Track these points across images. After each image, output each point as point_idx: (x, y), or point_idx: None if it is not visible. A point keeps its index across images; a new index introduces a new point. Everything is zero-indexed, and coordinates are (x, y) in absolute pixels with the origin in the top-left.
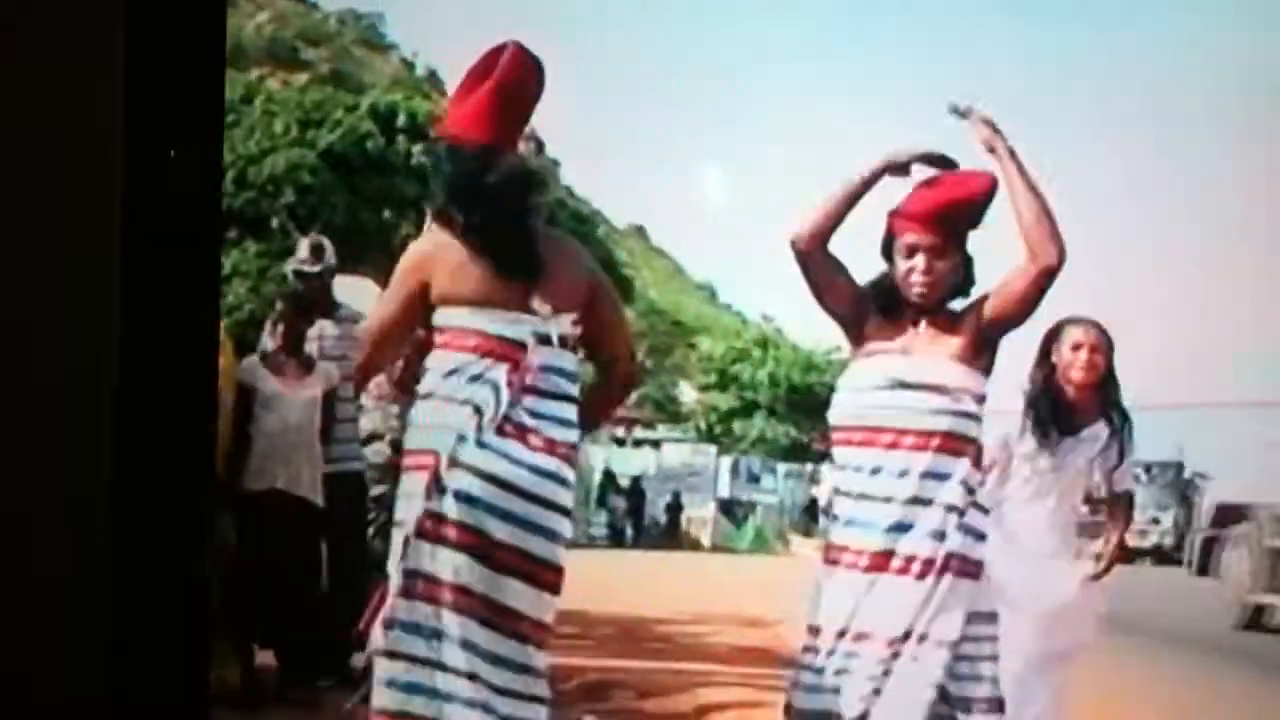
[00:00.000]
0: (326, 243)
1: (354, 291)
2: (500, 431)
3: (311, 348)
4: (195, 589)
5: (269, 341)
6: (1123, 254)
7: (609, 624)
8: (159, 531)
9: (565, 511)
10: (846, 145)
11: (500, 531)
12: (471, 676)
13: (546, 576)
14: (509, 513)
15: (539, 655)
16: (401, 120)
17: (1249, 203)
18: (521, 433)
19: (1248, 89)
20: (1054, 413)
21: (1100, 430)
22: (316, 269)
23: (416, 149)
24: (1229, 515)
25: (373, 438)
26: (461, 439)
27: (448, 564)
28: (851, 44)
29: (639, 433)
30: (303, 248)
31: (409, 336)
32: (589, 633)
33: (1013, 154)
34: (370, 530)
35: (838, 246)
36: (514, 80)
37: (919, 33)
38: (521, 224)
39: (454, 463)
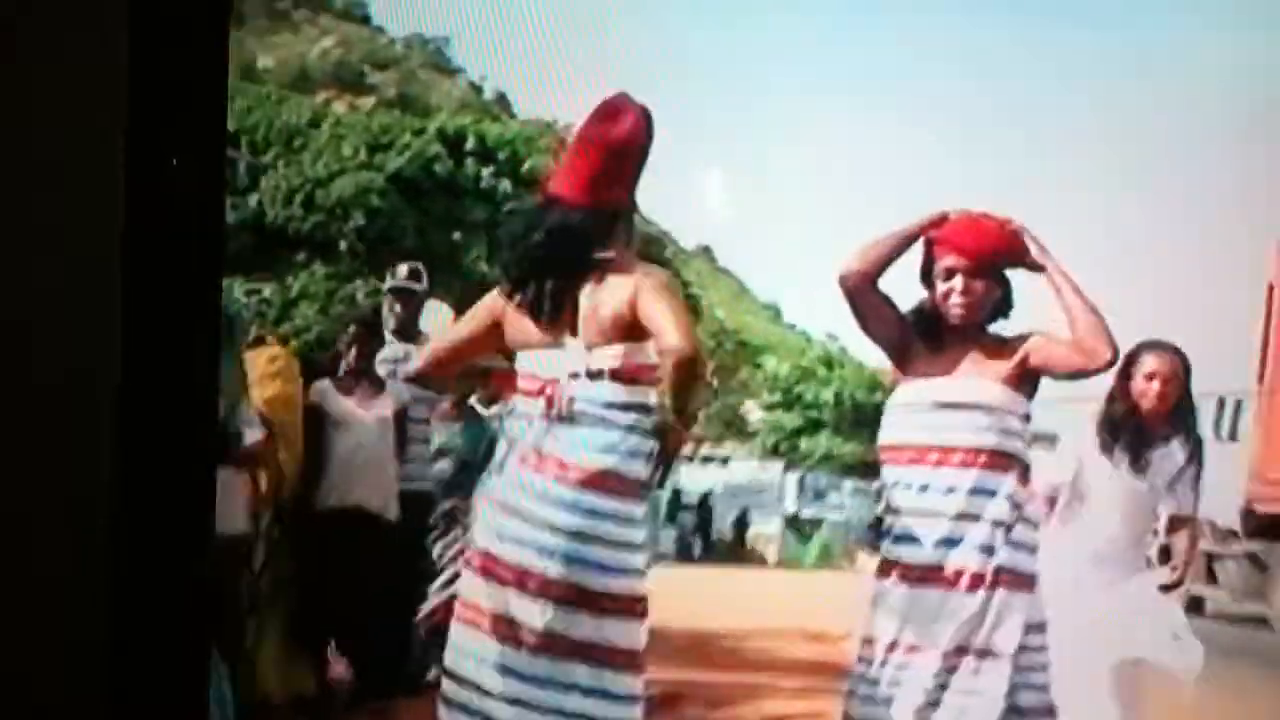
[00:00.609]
0: (422, 267)
1: (426, 313)
2: (527, 462)
3: (383, 370)
4: (195, 590)
5: (343, 363)
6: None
7: (678, 637)
8: (159, 532)
9: (563, 531)
10: (901, 175)
11: (513, 556)
12: (514, 701)
13: (575, 598)
14: (520, 539)
15: (605, 676)
16: (470, 144)
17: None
18: (542, 462)
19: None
20: (1126, 435)
21: (1173, 451)
22: (416, 288)
23: (486, 172)
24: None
25: (439, 454)
26: (493, 472)
27: (480, 590)
28: (913, 73)
29: (706, 450)
30: (402, 269)
31: (470, 362)
32: (658, 646)
33: (1060, 268)
34: (437, 546)
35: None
36: (640, 144)
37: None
38: (556, 273)
39: (487, 496)
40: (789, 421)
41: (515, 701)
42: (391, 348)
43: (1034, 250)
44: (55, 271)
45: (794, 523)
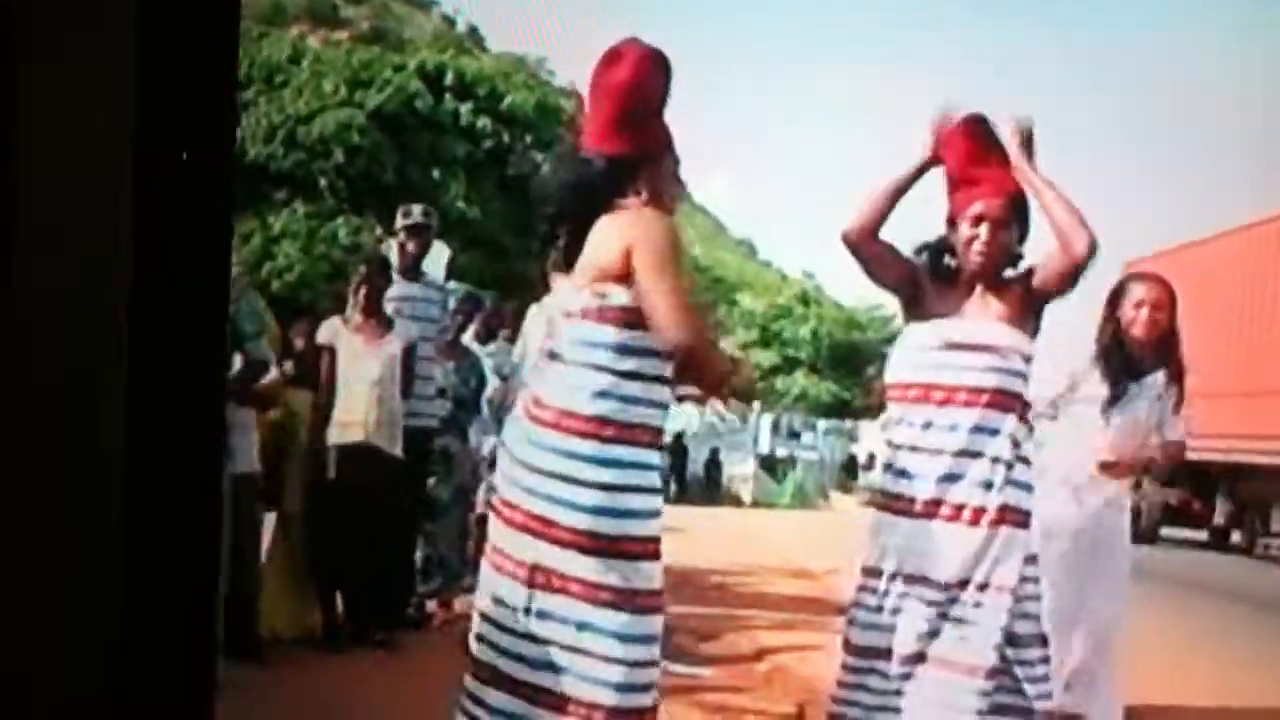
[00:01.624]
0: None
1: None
2: (533, 414)
3: (389, 308)
4: (203, 591)
5: (352, 302)
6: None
7: (664, 574)
8: (168, 532)
9: (572, 480)
10: (882, 108)
11: (535, 507)
12: (543, 642)
13: (572, 540)
14: (514, 480)
15: (600, 614)
16: (449, 79)
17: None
18: (544, 412)
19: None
20: (1121, 361)
21: (1159, 378)
22: (429, 222)
23: (465, 109)
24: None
25: (439, 393)
26: (505, 419)
27: (508, 539)
28: (901, 24)
29: (681, 389)
30: (415, 208)
31: None
32: None
33: (1039, 173)
34: (432, 480)
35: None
36: (641, 89)
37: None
38: (575, 221)
39: (505, 448)
40: (765, 359)
41: (545, 642)
42: (398, 286)
43: (1014, 154)
44: (62, 269)
45: (768, 462)
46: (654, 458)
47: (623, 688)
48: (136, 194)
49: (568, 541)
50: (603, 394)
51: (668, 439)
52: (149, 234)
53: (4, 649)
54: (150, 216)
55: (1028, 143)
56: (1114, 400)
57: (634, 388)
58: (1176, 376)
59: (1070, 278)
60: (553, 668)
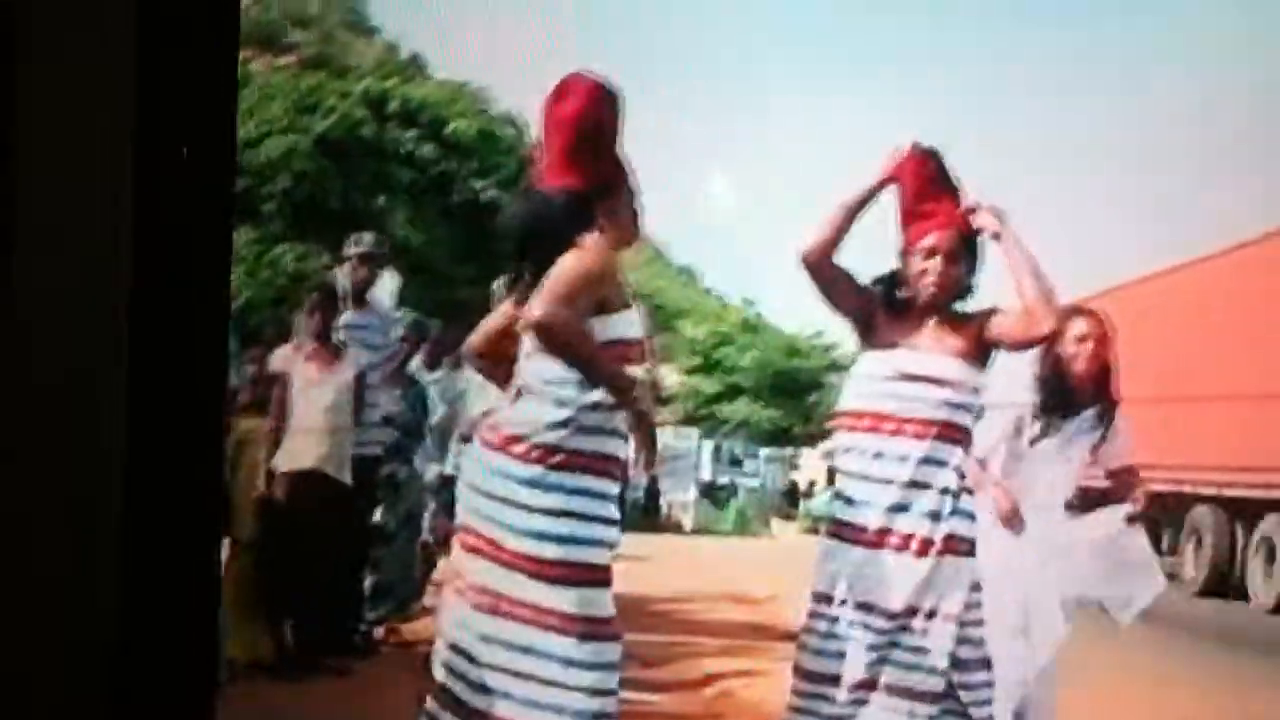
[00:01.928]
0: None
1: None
2: (486, 440)
3: (339, 336)
4: (204, 592)
5: (304, 330)
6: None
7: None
8: (168, 535)
9: (513, 504)
10: (828, 130)
11: (491, 533)
12: (503, 670)
13: (518, 564)
14: (469, 505)
15: (546, 639)
16: (393, 106)
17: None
18: (497, 437)
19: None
20: (1060, 396)
21: (1091, 413)
22: (380, 251)
23: (409, 135)
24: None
25: (386, 421)
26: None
27: (467, 565)
28: (837, 40)
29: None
30: (365, 236)
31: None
32: None
33: (1015, 239)
34: (380, 508)
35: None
36: (588, 122)
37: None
38: (534, 258)
39: (462, 477)
40: (707, 386)
41: (493, 668)
42: (347, 314)
43: (989, 219)
44: (63, 268)
45: (710, 489)
46: (607, 487)
47: (569, 713)
48: (136, 194)
49: (514, 565)
50: (560, 424)
51: None
52: (149, 234)
53: (4, 650)
54: (150, 217)
55: (1000, 216)
56: (1044, 434)
57: (595, 418)
58: (1109, 410)
59: (1025, 346)
60: (501, 693)
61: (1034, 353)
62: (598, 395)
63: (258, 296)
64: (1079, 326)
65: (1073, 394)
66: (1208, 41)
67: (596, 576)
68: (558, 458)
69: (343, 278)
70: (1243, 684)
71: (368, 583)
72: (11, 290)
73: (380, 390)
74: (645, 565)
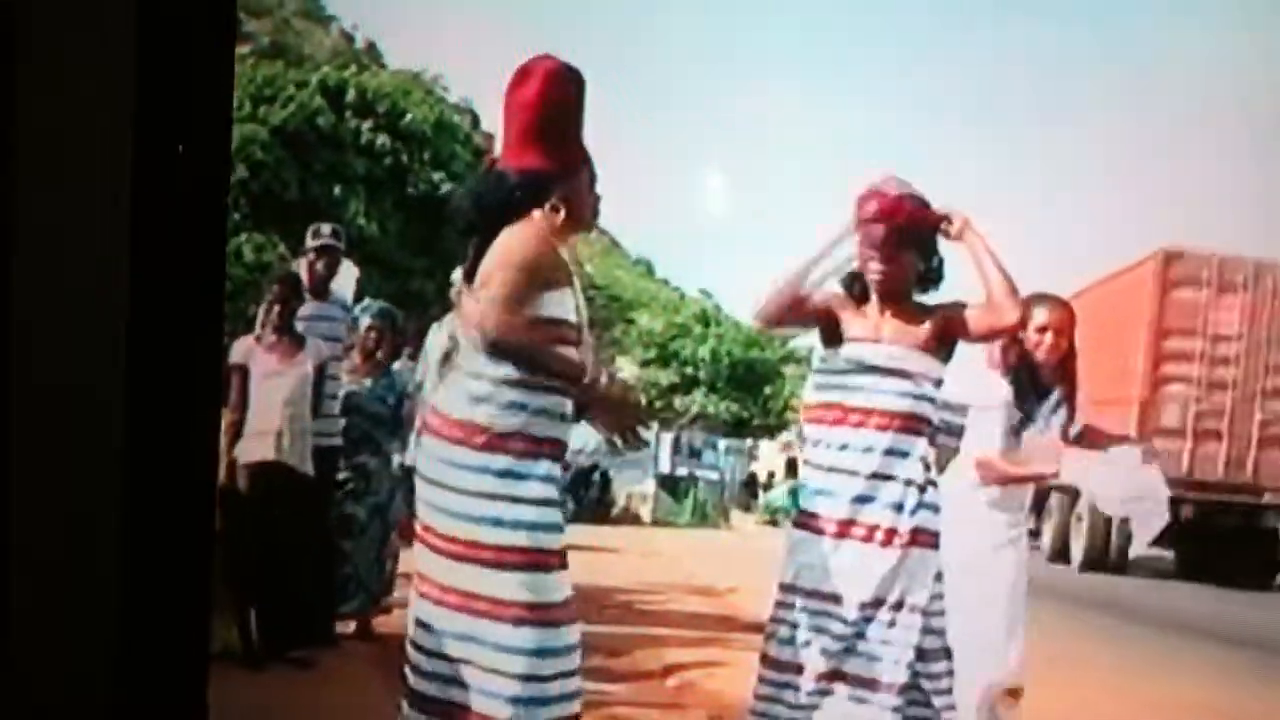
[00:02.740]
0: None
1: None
2: (428, 425)
3: (299, 327)
4: (198, 589)
5: (262, 320)
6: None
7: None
8: (164, 533)
9: (449, 488)
10: (788, 118)
11: (438, 523)
12: (468, 664)
13: (448, 549)
14: (437, 504)
15: (479, 625)
16: (350, 96)
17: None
18: (433, 420)
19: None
20: (1030, 384)
21: (1054, 397)
22: (339, 246)
23: (365, 126)
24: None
25: (350, 410)
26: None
27: (423, 561)
28: (809, 35)
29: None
30: (324, 228)
31: None
32: None
33: (975, 233)
34: (350, 499)
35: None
36: (550, 104)
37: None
38: (482, 237)
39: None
40: (664, 378)
41: (435, 655)
42: (307, 306)
43: (957, 228)
44: (61, 268)
45: (668, 481)
46: (536, 467)
47: (503, 699)
48: (135, 195)
49: (452, 552)
50: (478, 400)
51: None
52: (147, 234)
53: (5, 651)
54: (149, 217)
55: (967, 221)
56: (1025, 422)
57: (512, 394)
58: (1069, 396)
59: (991, 338)
60: (451, 682)
61: (998, 348)
62: (503, 372)
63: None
64: (1039, 316)
65: (1040, 380)
66: (1207, 43)
67: (536, 560)
68: (481, 437)
69: (304, 269)
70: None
71: (338, 575)
72: (9, 290)
73: (338, 382)
74: (605, 556)
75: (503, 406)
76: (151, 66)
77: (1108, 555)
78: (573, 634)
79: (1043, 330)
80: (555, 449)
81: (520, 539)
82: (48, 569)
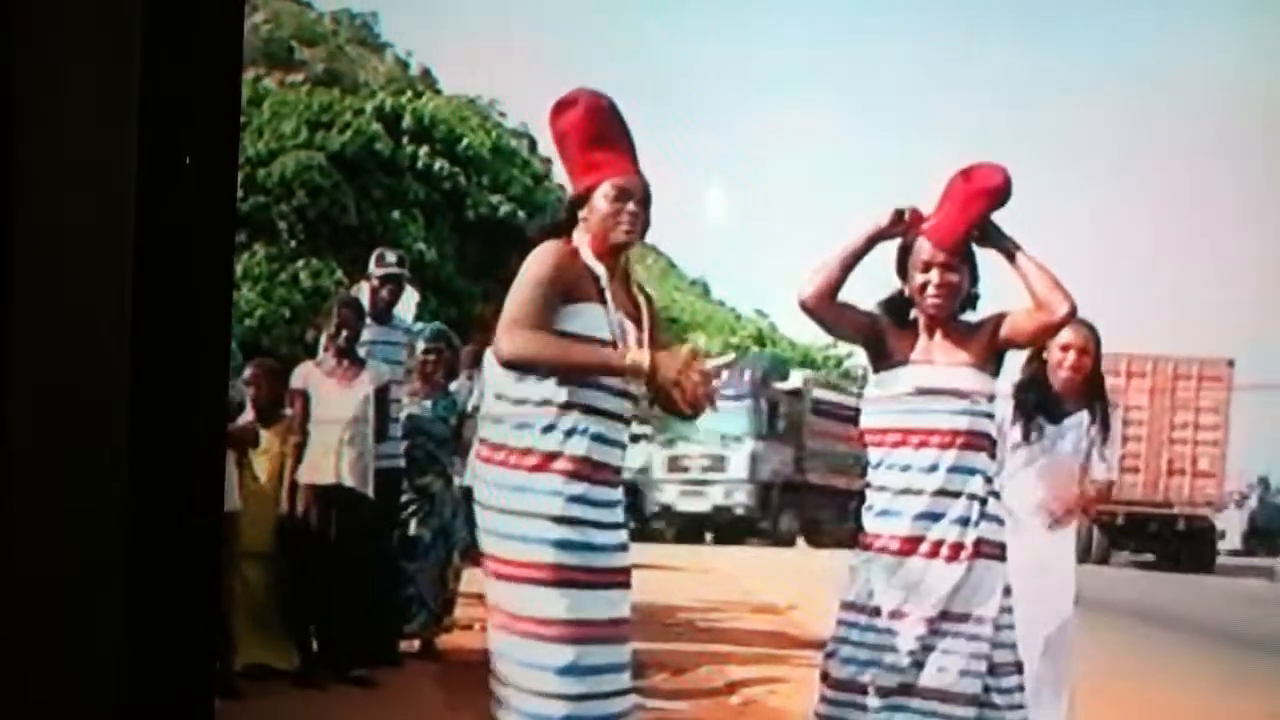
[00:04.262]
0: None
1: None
2: (479, 454)
3: (360, 351)
4: (206, 596)
5: (325, 344)
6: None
7: (632, 610)
8: (171, 539)
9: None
10: (840, 144)
11: (508, 551)
12: (549, 695)
13: (508, 572)
14: (503, 532)
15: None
16: (407, 121)
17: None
18: (485, 449)
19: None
20: (1041, 404)
21: (1082, 420)
22: (404, 270)
23: (423, 151)
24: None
25: (412, 432)
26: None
27: (497, 593)
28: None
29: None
30: (390, 255)
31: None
32: None
33: (1014, 242)
34: (414, 520)
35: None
36: (561, 133)
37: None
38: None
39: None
40: None
41: (507, 685)
42: (369, 330)
43: (987, 229)
44: (69, 276)
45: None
46: (600, 493)
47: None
48: (139, 198)
49: (506, 575)
50: (522, 426)
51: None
52: (152, 238)
53: (5, 653)
54: (153, 221)
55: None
56: (1025, 440)
57: (589, 424)
58: (1103, 416)
59: (1044, 336)
60: (508, 708)
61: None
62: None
63: (272, 315)
64: (1064, 334)
65: (1054, 403)
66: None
67: (575, 578)
68: (537, 461)
69: (366, 294)
70: None
71: (402, 595)
72: (12, 300)
73: (407, 404)
74: (667, 574)
75: (544, 430)
76: (157, 76)
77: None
78: (616, 654)
79: (1065, 349)
80: (605, 471)
81: (624, 559)
82: (50, 578)
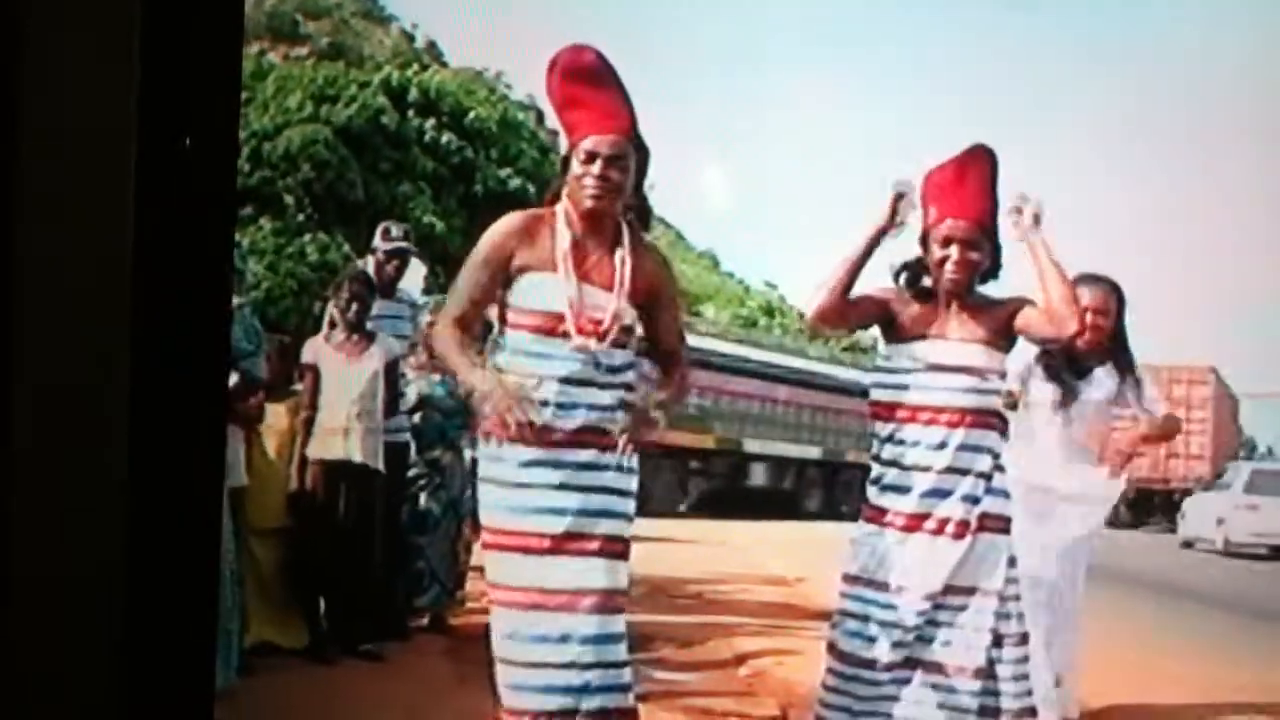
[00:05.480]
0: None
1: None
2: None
3: (368, 325)
4: (205, 590)
5: (334, 319)
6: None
7: (640, 583)
8: (171, 531)
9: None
10: (847, 114)
11: (527, 525)
12: (566, 665)
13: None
14: (518, 506)
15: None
16: (413, 95)
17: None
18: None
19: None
20: (1064, 361)
21: (1103, 379)
22: (411, 245)
23: (429, 124)
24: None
25: (420, 405)
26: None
27: (511, 567)
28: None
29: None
30: (395, 230)
31: None
32: None
33: (1044, 242)
34: (424, 494)
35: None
36: (571, 89)
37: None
38: None
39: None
40: None
41: (567, 666)
42: (377, 304)
43: (1024, 229)
44: (67, 262)
45: None
46: (586, 456)
47: (556, 690)
48: (139, 194)
49: (503, 547)
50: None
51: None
52: (151, 232)
53: (5, 653)
54: (152, 215)
55: (1036, 219)
56: (1065, 398)
57: (548, 389)
58: (1129, 368)
59: (1048, 344)
60: (514, 686)
61: None
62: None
63: (279, 289)
64: (1083, 296)
65: (1077, 361)
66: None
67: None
68: (531, 433)
69: (372, 268)
70: None
71: (413, 569)
72: (12, 288)
73: (414, 377)
74: (674, 547)
75: (557, 405)
76: (155, 60)
77: None
78: (619, 623)
79: (1084, 311)
80: (604, 439)
81: (577, 525)
82: (50, 582)
